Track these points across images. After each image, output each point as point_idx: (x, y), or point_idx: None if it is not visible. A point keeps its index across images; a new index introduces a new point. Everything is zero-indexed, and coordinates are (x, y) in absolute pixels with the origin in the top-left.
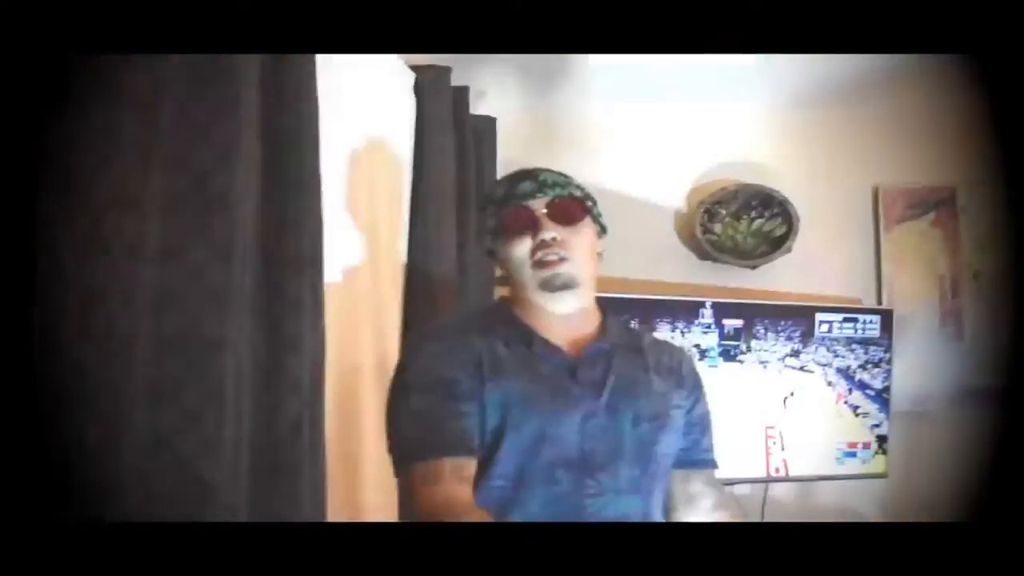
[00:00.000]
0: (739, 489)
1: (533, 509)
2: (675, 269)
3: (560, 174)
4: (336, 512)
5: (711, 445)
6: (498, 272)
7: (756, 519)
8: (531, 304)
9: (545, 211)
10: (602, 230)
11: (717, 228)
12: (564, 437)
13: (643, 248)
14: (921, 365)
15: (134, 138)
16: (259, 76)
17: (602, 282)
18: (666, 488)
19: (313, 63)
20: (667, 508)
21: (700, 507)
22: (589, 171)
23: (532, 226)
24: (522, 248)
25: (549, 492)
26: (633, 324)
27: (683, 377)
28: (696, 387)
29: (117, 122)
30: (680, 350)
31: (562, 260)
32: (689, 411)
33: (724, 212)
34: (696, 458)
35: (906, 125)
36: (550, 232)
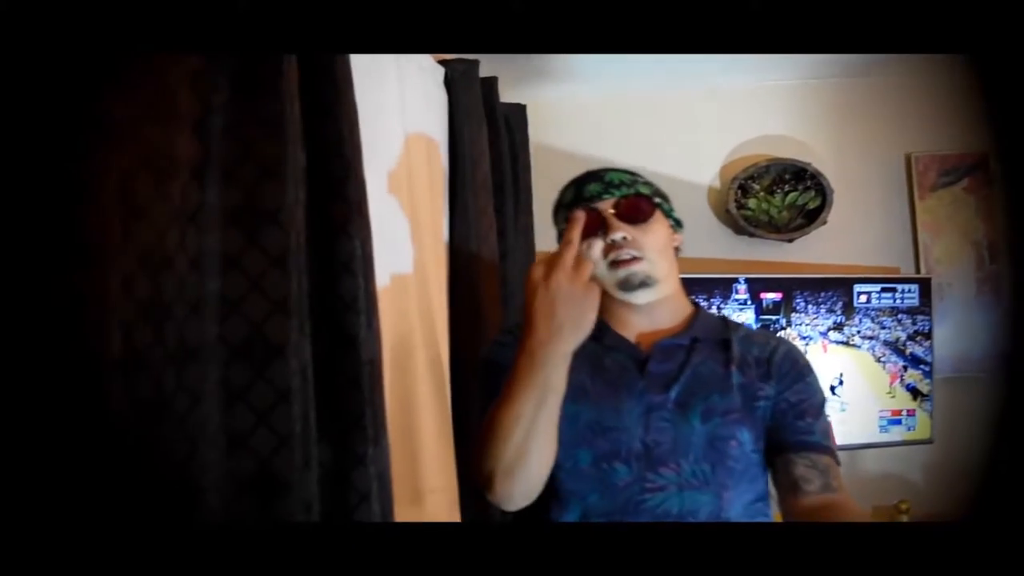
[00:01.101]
0: None
1: (591, 500)
2: (712, 245)
3: (627, 172)
4: (401, 501)
5: (814, 429)
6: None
7: None
8: (612, 300)
9: (613, 211)
10: (676, 224)
11: (751, 203)
12: (624, 430)
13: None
14: (961, 331)
15: (187, 157)
16: (299, 87)
17: None
18: (775, 478)
19: (349, 69)
20: (778, 497)
21: (806, 491)
22: (620, 152)
23: (601, 227)
24: (594, 250)
25: (606, 484)
26: None
27: (775, 366)
28: (790, 373)
29: (171, 142)
30: (779, 339)
31: (635, 259)
32: (776, 398)
33: (757, 187)
34: (791, 440)
35: (935, 92)
36: (619, 232)
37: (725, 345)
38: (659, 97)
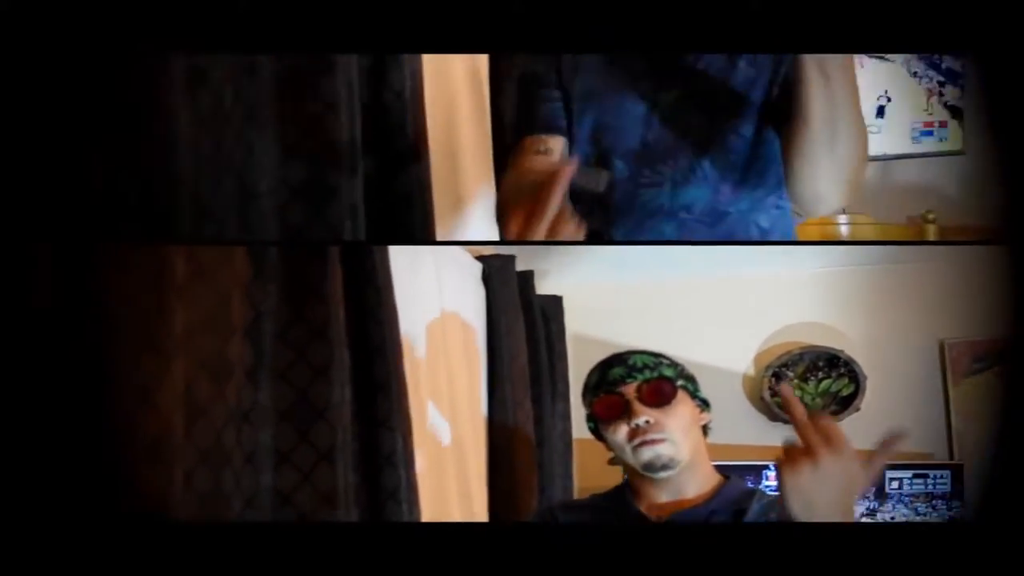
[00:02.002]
0: None
1: None
2: (746, 432)
3: (651, 354)
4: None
5: None
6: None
7: None
8: (641, 479)
9: (636, 396)
10: (704, 404)
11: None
12: (625, 128)
13: (715, 413)
14: None
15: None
16: (343, 292)
17: None
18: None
19: (389, 273)
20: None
21: None
22: (656, 340)
23: (625, 412)
24: (619, 434)
25: None
26: None
27: None
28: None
29: (225, 347)
30: None
31: (659, 442)
32: None
33: (791, 374)
34: None
35: (968, 278)
36: (642, 416)
37: (741, 516)
38: (693, 285)
